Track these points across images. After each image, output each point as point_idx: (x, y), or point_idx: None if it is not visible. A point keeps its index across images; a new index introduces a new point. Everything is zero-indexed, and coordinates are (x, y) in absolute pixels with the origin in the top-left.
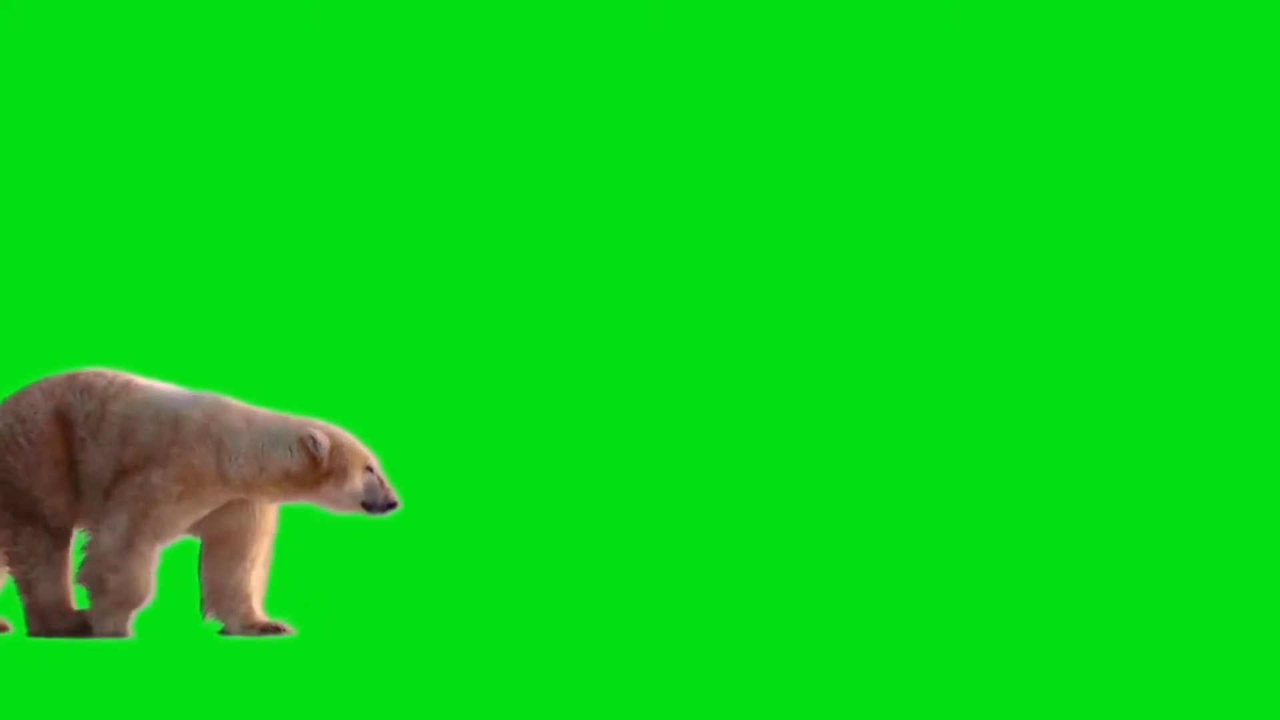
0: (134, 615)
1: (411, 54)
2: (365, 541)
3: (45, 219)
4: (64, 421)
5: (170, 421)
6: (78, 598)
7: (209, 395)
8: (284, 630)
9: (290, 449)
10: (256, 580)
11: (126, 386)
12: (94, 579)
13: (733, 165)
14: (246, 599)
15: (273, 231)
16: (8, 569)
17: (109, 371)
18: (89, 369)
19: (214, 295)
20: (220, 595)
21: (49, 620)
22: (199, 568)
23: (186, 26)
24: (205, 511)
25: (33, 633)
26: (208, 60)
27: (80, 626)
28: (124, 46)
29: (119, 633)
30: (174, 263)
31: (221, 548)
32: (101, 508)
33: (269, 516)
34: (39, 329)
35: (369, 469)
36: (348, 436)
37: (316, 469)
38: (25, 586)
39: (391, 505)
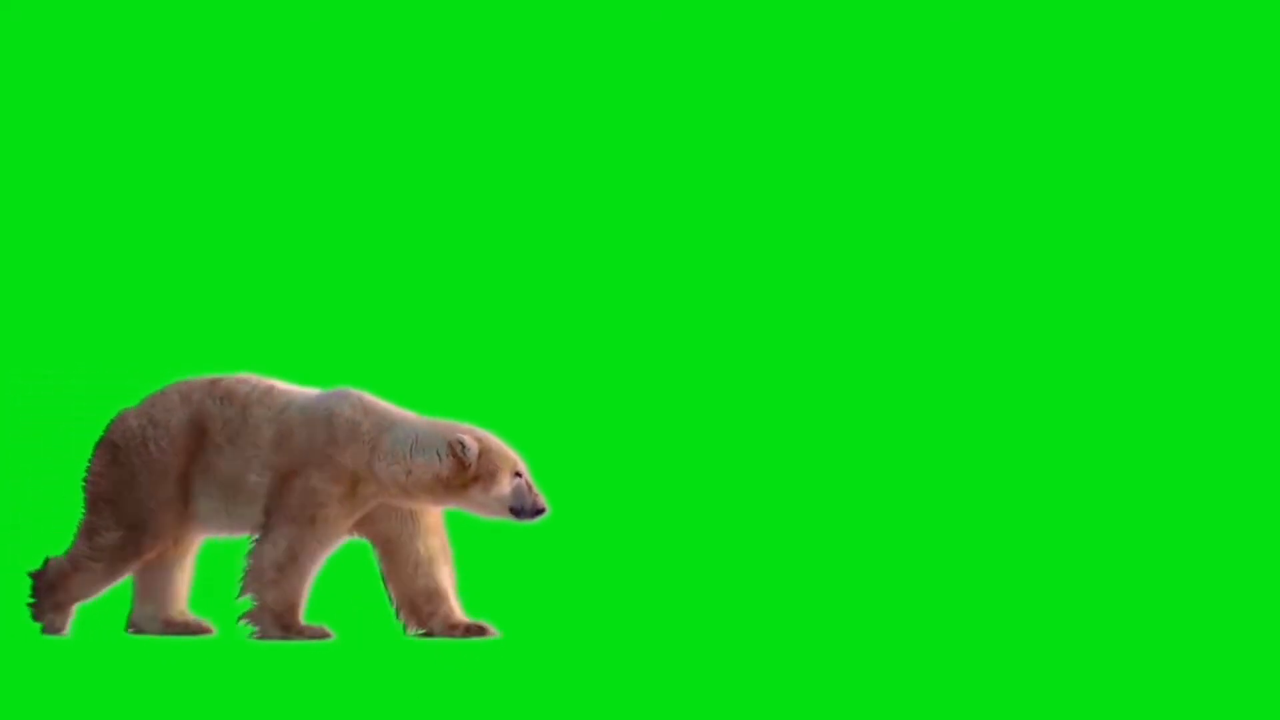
0: (288, 625)
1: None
2: (514, 547)
3: (180, 222)
4: (199, 430)
5: (323, 421)
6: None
7: (355, 392)
8: (488, 632)
9: (439, 453)
10: (446, 579)
11: (270, 392)
12: (253, 593)
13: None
14: (445, 598)
15: (416, 235)
16: (74, 542)
17: (252, 377)
18: (232, 375)
19: (368, 302)
20: (414, 603)
21: (46, 607)
22: (383, 580)
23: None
24: (364, 510)
25: (33, 602)
26: (335, 76)
27: (54, 630)
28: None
29: (269, 638)
30: (315, 267)
31: (394, 555)
32: (251, 511)
33: (429, 514)
34: (176, 330)
35: (517, 474)
36: (496, 441)
37: (464, 473)
38: (71, 565)
39: (540, 511)
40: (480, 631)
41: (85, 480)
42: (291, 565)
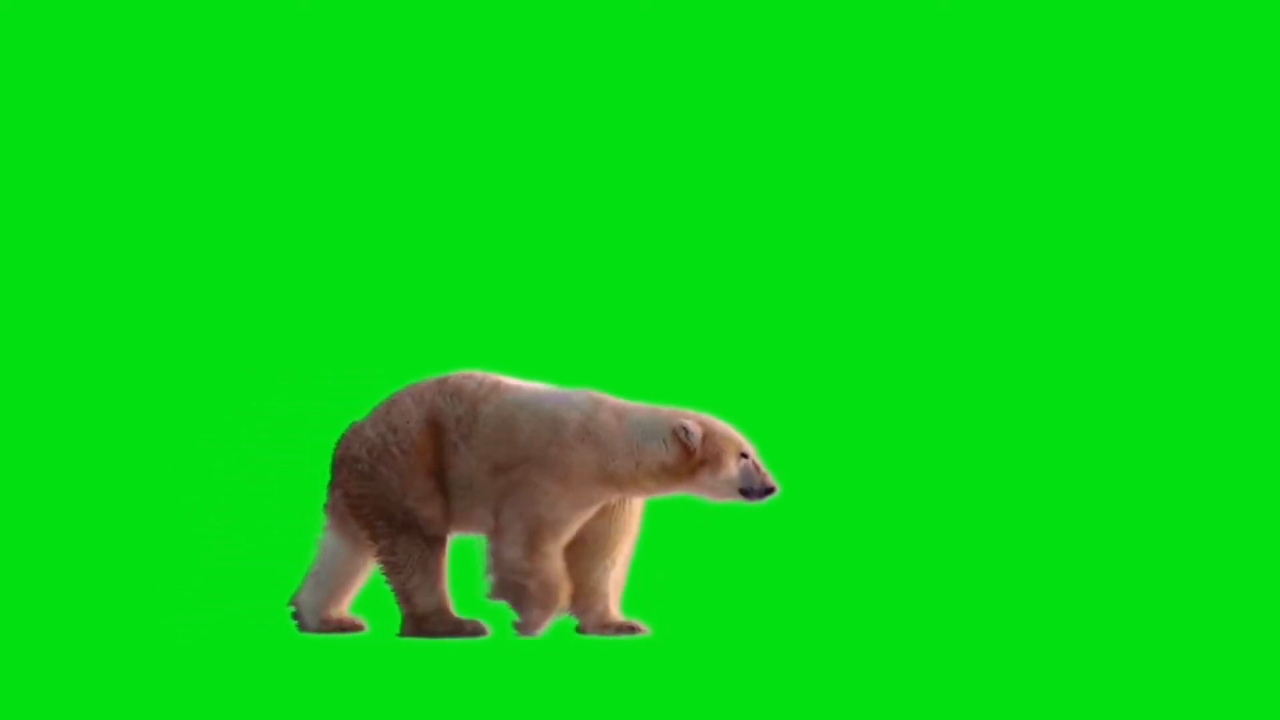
0: (556, 613)
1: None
2: (740, 528)
3: (403, 221)
4: (436, 428)
5: (549, 421)
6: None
7: (583, 392)
8: (639, 630)
9: (664, 441)
10: (615, 580)
11: (496, 387)
12: (512, 591)
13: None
14: (604, 598)
15: (628, 223)
16: (385, 578)
17: (478, 374)
18: (458, 372)
19: (581, 290)
20: (579, 592)
21: (425, 625)
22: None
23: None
24: (593, 510)
25: (405, 634)
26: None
27: (456, 629)
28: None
29: (541, 630)
30: (534, 261)
31: (585, 546)
32: (481, 512)
33: (634, 517)
34: (407, 332)
35: (743, 455)
36: (720, 424)
37: (690, 459)
38: (404, 596)
39: (769, 490)
40: (631, 630)
41: (346, 505)
42: (536, 554)
